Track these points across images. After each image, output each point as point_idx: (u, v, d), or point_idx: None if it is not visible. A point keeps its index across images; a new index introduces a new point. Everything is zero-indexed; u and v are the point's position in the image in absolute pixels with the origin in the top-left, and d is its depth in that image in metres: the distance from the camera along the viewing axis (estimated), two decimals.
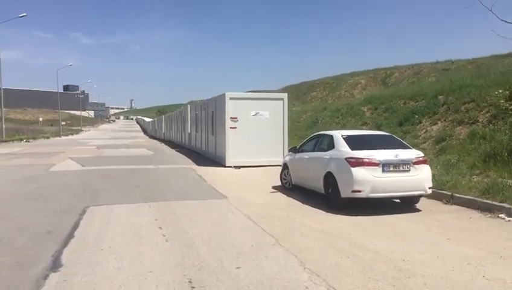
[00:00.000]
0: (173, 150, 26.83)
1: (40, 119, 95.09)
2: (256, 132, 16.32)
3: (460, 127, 13.61)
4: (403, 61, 59.31)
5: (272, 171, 14.67)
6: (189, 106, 27.25)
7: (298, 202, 9.07)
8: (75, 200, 9.34)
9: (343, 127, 20.88)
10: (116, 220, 7.44)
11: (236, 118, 16.19)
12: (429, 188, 8.00)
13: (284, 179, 10.91)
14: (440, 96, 16.58)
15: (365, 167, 7.69)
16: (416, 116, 16.19)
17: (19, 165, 17.16)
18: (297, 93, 58.02)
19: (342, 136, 8.64)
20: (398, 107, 18.52)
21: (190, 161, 19.03)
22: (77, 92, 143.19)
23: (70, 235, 6.38)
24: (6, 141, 38.49)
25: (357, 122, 20.47)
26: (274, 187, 11.21)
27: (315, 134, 10.41)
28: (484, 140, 11.67)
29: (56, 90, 70.17)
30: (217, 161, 17.52)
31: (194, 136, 24.73)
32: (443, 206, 8.40)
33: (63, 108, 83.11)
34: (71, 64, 77.72)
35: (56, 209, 8.32)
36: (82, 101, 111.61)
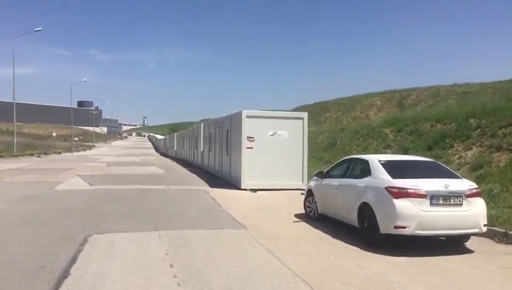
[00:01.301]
0: (185, 169, 25.91)
1: (54, 134, 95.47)
2: (274, 153, 15.32)
3: (499, 153, 12.49)
4: (420, 83, 58.18)
5: (291, 196, 13.66)
6: (202, 123, 26.43)
7: (327, 236, 7.99)
8: (77, 226, 8.37)
9: (365, 150, 19.82)
10: (121, 253, 6.44)
11: (253, 137, 15.24)
12: (484, 225, 6.88)
13: (309, 207, 9.84)
14: (472, 120, 15.49)
15: (410, 199, 6.62)
16: (447, 140, 15.08)
17: (23, 183, 16.34)
18: (311, 114, 56.48)
19: (379, 161, 7.60)
20: (425, 130, 17.44)
21: (203, 181, 18.05)
22: (91, 108, 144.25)
23: (65, 273, 5.38)
24: (16, 156, 38.01)
25: (379, 145, 19.39)
26: (297, 215, 10.15)
27: (346, 158, 9.38)
28: None
29: (70, 106, 70.15)
30: (232, 183, 16.51)
31: (207, 155, 23.81)
32: (497, 246, 7.26)
33: (76, 124, 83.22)
34: (85, 80, 77.95)
35: (54, 237, 7.35)
36: (95, 117, 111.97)
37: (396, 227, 6.64)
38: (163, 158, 43.98)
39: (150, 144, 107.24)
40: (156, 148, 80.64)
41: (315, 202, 9.51)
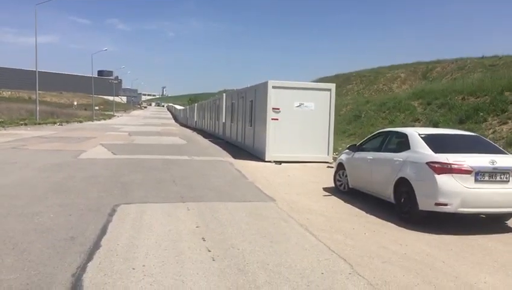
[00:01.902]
0: (206, 140, 25.78)
1: (75, 103, 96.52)
2: (300, 124, 14.97)
3: None
4: (446, 55, 56.25)
5: (318, 169, 13.40)
6: (224, 94, 26.07)
7: (361, 211, 7.70)
8: (103, 196, 8.26)
9: (392, 123, 19.29)
10: (150, 225, 6.27)
11: (278, 108, 14.87)
12: None
13: (339, 181, 9.53)
14: (507, 93, 14.79)
15: (453, 175, 6.25)
16: (481, 113, 14.47)
17: (49, 150, 16.37)
18: None
19: (419, 134, 7.20)
20: (456, 103, 16.79)
21: (226, 152, 17.86)
22: (111, 77, 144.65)
23: (96, 245, 5.24)
24: (39, 124, 38.43)
25: (407, 118, 18.82)
26: (326, 189, 9.87)
27: (380, 131, 8.98)
28: None
29: (91, 75, 70.34)
30: (255, 155, 16.28)
31: (229, 127, 23.56)
32: None
33: (96, 93, 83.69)
34: (106, 49, 77.87)
35: (82, 207, 7.23)
36: (115, 87, 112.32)
37: (437, 204, 6.31)
38: (184, 128, 43.98)
39: (169, 114, 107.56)
40: (176, 119, 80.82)
41: (346, 176, 9.20)
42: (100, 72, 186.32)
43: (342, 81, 59.50)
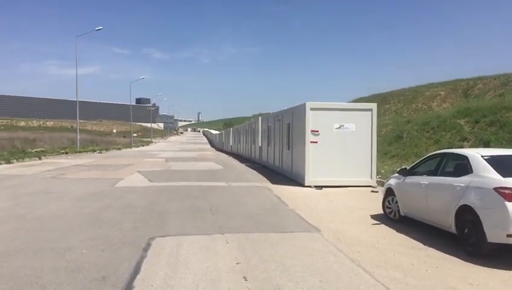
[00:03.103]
0: (243, 165, 25.36)
1: (114, 130, 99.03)
2: (340, 147, 14.30)
3: None
4: (487, 72, 54.06)
5: (362, 194, 12.64)
6: (260, 117, 25.72)
7: (417, 243, 6.94)
8: (139, 227, 7.87)
9: (437, 143, 18.27)
10: (187, 261, 5.77)
11: (317, 131, 14.28)
12: None
13: (388, 208, 8.78)
14: None
15: None
16: None
17: (86, 179, 16.35)
18: None
19: (482, 156, 6.44)
20: (508, 121, 15.69)
21: (263, 177, 17.33)
22: (148, 104, 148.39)
23: (128, 286, 4.79)
24: (80, 152, 39.25)
25: (453, 138, 17.78)
26: (374, 217, 9.13)
27: (436, 152, 8.21)
28: None
29: (129, 103, 72.10)
30: (294, 179, 15.68)
31: (265, 150, 23.09)
32: None
33: (134, 120, 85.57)
34: (143, 77, 79.89)
35: (116, 240, 6.85)
36: (153, 114, 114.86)
37: (510, 235, 5.51)
38: (219, 153, 43.89)
39: (205, 139, 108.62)
40: (211, 144, 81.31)
41: (396, 203, 8.45)
42: (138, 100, 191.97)
43: (379, 101, 57.91)
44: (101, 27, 42.24)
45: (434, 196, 7.10)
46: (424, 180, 7.48)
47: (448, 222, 6.61)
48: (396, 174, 8.73)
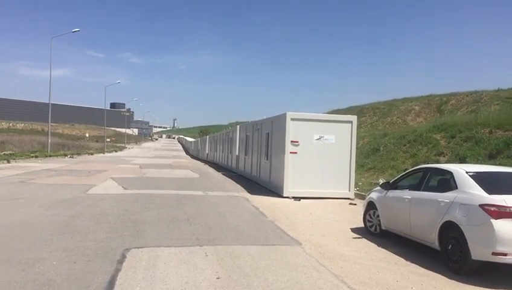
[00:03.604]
0: (219, 173, 25.09)
1: (87, 135, 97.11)
2: (320, 158, 14.25)
3: None
4: (460, 89, 55.53)
5: (340, 206, 12.57)
6: (238, 126, 25.53)
7: (399, 258, 6.84)
8: (113, 237, 7.52)
9: (414, 157, 18.46)
10: (165, 275, 5.48)
11: (297, 141, 14.19)
12: None
13: (369, 222, 8.69)
14: None
15: None
16: None
17: (57, 185, 15.75)
18: None
19: (467, 172, 6.41)
20: (483, 137, 15.95)
21: (240, 187, 17.11)
22: (123, 110, 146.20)
23: None
24: (50, 156, 38.14)
25: (430, 152, 17.97)
26: (354, 230, 9.03)
27: (419, 167, 8.18)
28: None
29: (103, 107, 70.74)
30: (272, 190, 15.52)
31: (243, 160, 22.89)
32: None
33: (108, 125, 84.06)
34: (119, 81, 78.66)
35: (89, 251, 6.50)
36: (127, 119, 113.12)
37: (495, 253, 5.47)
38: (195, 161, 43.44)
39: (180, 146, 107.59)
40: (186, 151, 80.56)
41: (378, 216, 8.36)
42: (112, 105, 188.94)
43: (355, 114, 58.43)
44: (78, 29, 41.42)
45: (417, 211, 7.03)
46: (407, 194, 7.41)
47: (432, 238, 6.54)
48: (378, 188, 8.66)
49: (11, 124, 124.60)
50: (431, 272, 6.12)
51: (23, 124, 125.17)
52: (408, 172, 8.21)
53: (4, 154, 32.82)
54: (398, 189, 7.90)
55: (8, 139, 48.04)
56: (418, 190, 7.25)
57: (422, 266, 6.37)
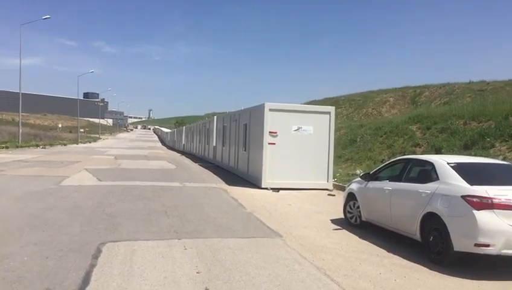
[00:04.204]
0: (196, 165, 24.80)
1: (59, 125, 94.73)
2: (298, 149, 14.17)
3: None
4: (433, 81, 56.57)
5: (319, 197, 12.55)
6: (215, 117, 25.25)
7: (381, 250, 6.80)
8: (87, 231, 7.25)
9: (390, 148, 18.62)
10: (143, 270, 5.28)
11: (276, 132, 14.06)
12: None
13: (349, 213, 8.64)
14: None
15: (495, 211, 5.42)
16: (488, 139, 13.83)
17: (29, 176, 15.24)
18: None
19: (448, 163, 6.39)
20: (458, 128, 16.18)
21: (218, 178, 16.92)
22: (97, 99, 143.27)
23: None
24: (22, 147, 37.05)
25: (406, 143, 18.15)
26: (334, 221, 8.98)
27: (399, 158, 8.16)
28: None
29: (76, 97, 69.11)
30: (249, 181, 15.38)
31: (220, 151, 22.66)
32: None
33: (82, 115, 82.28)
34: (92, 71, 76.79)
35: (62, 246, 6.22)
36: (101, 109, 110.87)
37: (477, 245, 5.46)
38: (171, 152, 42.92)
39: (155, 137, 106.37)
40: (162, 142, 79.70)
41: (358, 208, 8.32)
42: (86, 95, 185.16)
43: (331, 105, 59.22)
44: (48, 16, 40.12)
45: (398, 203, 7.00)
46: (388, 185, 7.37)
47: (413, 229, 6.52)
48: (358, 179, 8.61)
49: None
50: (413, 263, 6.09)
51: None
52: (388, 163, 8.18)
53: None
54: (379, 180, 7.86)
55: None
56: (399, 181, 7.21)
57: (404, 258, 6.34)
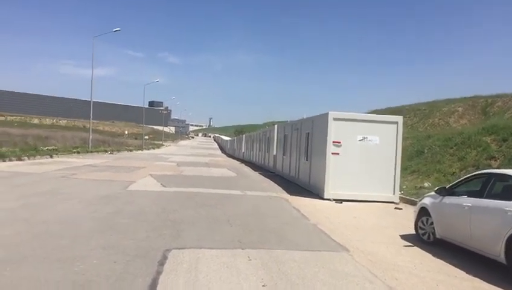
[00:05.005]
0: (256, 173, 24.78)
1: (126, 132, 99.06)
2: (363, 160, 13.68)
3: None
4: (507, 90, 53.11)
5: (384, 210, 12.02)
6: (276, 125, 25.14)
7: (459, 271, 6.27)
8: (153, 237, 7.32)
9: (462, 160, 17.54)
10: (208, 281, 5.17)
11: (340, 142, 13.67)
12: None
13: (422, 229, 8.11)
14: None
15: None
16: None
17: (98, 180, 15.87)
18: None
19: None
20: None
21: (279, 187, 16.73)
22: (161, 108, 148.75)
23: None
24: (91, 152, 38.97)
25: (480, 156, 17.01)
26: (404, 237, 8.48)
27: (480, 172, 7.56)
28: None
29: (142, 106, 72.04)
30: (311, 191, 15.06)
31: (280, 160, 22.49)
32: None
33: (147, 123, 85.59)
34: (157, 80, 79.78)
35: (129, 251, 6.29)
36: (165, 117, 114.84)
37: None
38: (231, 160, 43.37)
39: (215, 145, 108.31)
40: (222, 149, 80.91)
41: (431, 224, 7.78)
42: (151, 103, 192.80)
43: (394, 115, 57.34)
44: (119, 28, 42.15)
45: (479, 220, 6.43)
46: (467, 201, 6.80)
47: (496, 251, 5.95)
48: (432, 193, 8.07)
49: (54, 121, 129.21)
50: (497, 288, 5.54)
51: (66, 121, 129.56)
52: (467, 177, 7.58)
53: (47, 149, 33.72)
54: (456, 195, 7.30)
55: (52, 135, 49.41)
56: (480, 197, 6.63)
57: (486, 281, 5.80)
